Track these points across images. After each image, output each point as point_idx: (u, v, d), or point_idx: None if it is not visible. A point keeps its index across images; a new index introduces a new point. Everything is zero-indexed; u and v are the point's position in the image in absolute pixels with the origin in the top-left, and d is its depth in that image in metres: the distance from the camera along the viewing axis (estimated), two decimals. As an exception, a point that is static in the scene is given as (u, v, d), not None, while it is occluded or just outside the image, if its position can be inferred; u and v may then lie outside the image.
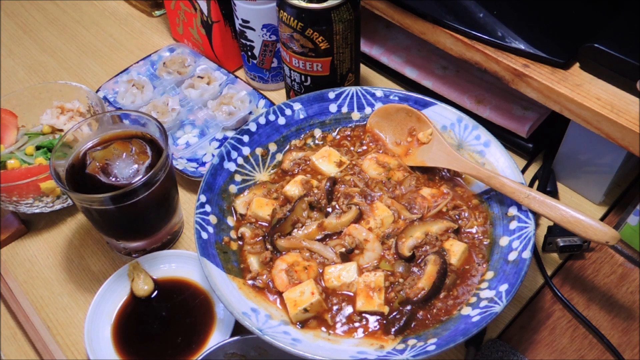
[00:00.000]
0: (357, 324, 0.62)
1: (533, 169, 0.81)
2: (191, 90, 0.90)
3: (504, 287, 0.59)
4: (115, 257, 0.77)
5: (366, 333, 0.61)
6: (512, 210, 0.66)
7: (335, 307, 0.63)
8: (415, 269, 0.64)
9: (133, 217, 0.69)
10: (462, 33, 0.74)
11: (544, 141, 0.82)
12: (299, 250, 0.67)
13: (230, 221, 0.70)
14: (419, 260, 0.65)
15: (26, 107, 0.85)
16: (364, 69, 0.97)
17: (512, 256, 0.62)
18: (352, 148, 0.78)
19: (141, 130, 0.72)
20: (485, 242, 0.67)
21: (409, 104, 0.76)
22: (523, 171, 0.81)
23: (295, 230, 0.68)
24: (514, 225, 0.65)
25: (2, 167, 0.79)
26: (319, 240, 0.68)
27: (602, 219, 0.76)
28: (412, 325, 0.61)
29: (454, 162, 0.70)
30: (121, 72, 0.95)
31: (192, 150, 0.84)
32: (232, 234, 0.69)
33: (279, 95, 0.95)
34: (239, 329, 0.66)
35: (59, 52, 1.07)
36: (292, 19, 0.74)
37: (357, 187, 0.72)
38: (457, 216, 0.69)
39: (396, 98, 0.77)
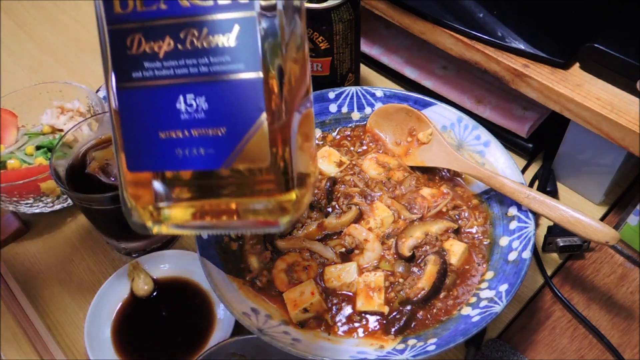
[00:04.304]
0: (357, 324, 0.62)
1: (533, 169, 0.81)
2: (191, 90, 0.90)
3: (504, 287, 0.59)
4: (115, 257, 0.77)
5: (366, 333, 0.61)
6: (512, 210, 0.66)
7: (335, 307, 0.63)
8: (415, 269, 0.64)
9: (133, 217, 0.69)
10: (462, 33, 0.74)
11: (544, 141, 0.82)
12: (299, 250, 0.67)
13: (230, 221, 0.70)
14: (419, 260, 0.65)
15: (26, 107, 0.85)
16: (364, 69, 0.96)
17: (512, 256, 0.62)
18: (352, 148, 0.78)
19: (141, 130, 0.72)
20: (485, 242, 0.67)
21: (409, 104, 0.76)
22: (523, 171, 0.81)
23: (295, 230, 0.68)
24: (514, 225, 0.65)
25: (2, 167, 0.79)
26: (319, 240, 0.67)
27: (602, 219, 0.76)
28: (412, 325, 0.61)
29: (454, 162, 0.70)
30: (121, 72, 0.95)
31: (192, 150, 0.84)
32: (232, 234, 0.69)
33: (279, 95, 0.94)
34: (239, 329, 0.66)
35: (59, 52, 1.07)
36: (292, 19, 0.74)
37: (357, 187, 0.72)
38: (457, 216, 0.69)
39: (396, 98, 0.77)
